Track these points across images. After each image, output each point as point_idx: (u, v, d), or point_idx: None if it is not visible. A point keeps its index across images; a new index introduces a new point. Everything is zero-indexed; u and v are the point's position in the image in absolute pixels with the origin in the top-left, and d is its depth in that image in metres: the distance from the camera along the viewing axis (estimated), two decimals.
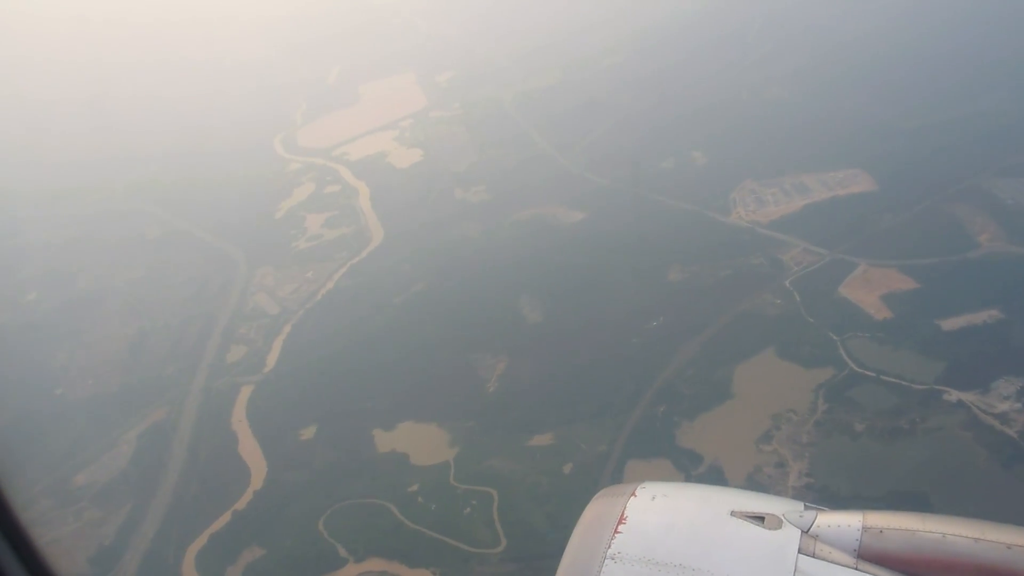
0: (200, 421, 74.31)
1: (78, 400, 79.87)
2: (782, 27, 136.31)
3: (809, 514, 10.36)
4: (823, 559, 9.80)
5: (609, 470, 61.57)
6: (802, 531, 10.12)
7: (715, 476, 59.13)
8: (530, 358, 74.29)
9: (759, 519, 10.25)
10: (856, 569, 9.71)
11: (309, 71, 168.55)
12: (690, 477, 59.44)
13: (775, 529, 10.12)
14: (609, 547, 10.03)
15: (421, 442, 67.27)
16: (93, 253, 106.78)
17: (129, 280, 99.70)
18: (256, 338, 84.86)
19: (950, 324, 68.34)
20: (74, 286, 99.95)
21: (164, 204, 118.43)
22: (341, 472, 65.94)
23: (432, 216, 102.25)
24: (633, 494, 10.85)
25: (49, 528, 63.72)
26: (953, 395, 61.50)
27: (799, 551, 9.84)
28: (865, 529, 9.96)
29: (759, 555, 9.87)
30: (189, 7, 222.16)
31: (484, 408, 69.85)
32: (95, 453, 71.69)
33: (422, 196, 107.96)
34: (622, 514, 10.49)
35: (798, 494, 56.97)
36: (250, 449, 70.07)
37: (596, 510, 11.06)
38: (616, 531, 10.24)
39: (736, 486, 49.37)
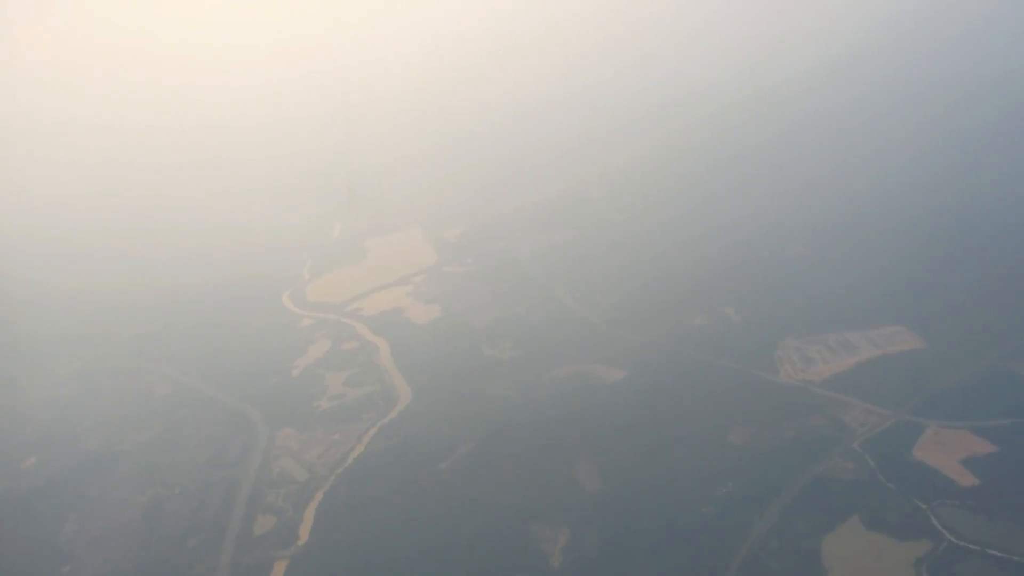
0: None
1: None
2: (785, 179, 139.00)
3: None
4: None
5: None
6: None
7: None
8: (594, 529, 68.76)
9: None
10: None
11: (311, 226, 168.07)
12: None
13: None
14: None
15: None
16: (98, 413, 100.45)
17: (139, 442, 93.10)
18: (285, 507, 78.33)
19: None
20: (78, 449, 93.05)
21: (170, 360, 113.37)
22: None
23: (461, 373, 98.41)
24: None
25: None
26: None
27: None
28: None
29: None
30: (182, 162, 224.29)
31: None
32: None
33: (447, 353, 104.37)
34: None
35: None
36: None
37: None
38: None
39: None
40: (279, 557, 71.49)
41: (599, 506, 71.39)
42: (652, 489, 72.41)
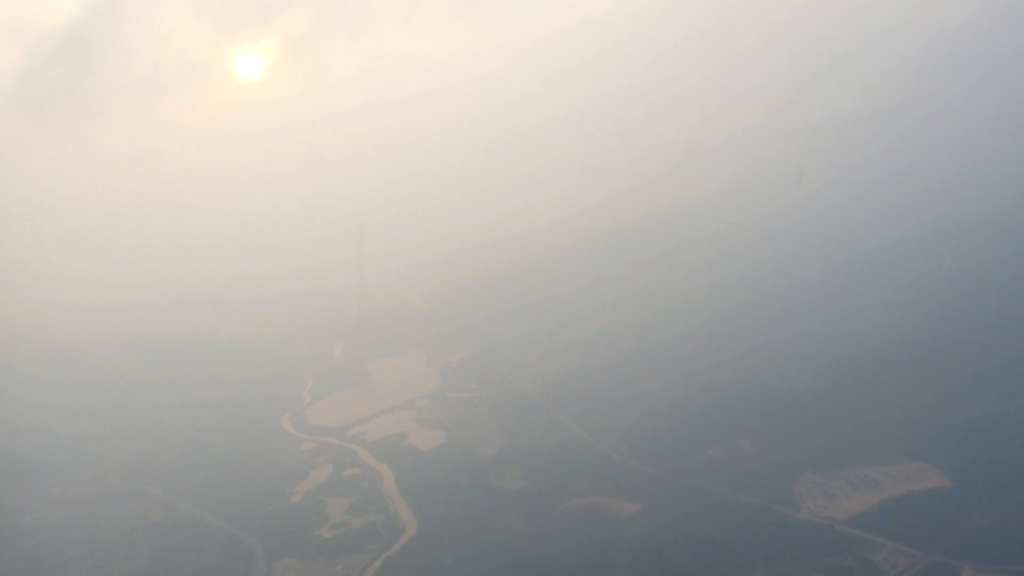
0: None
1: None
2: (790, 307, 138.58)
3: None
4: None
5: None
6: None
7: None
8: None
9: None
10: None
11: (311, 348, 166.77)
12: None
13: None
14: None
15: None
16: (87, 539, 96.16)
17: (129, 572, 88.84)
18: None
19: None
20: None
21: (165, 484, 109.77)
22: None
23: (468, 504, 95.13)
24: None
25: None
26: None
27: None
28: None
29: None
30: (185, 284, 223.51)
31: None
32: None
33: (453, 481, 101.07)
34: None
35: None
36: None
37: None
38: None
39: None
40: None
41: None
42: None
